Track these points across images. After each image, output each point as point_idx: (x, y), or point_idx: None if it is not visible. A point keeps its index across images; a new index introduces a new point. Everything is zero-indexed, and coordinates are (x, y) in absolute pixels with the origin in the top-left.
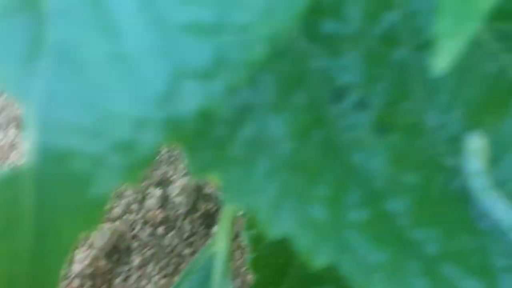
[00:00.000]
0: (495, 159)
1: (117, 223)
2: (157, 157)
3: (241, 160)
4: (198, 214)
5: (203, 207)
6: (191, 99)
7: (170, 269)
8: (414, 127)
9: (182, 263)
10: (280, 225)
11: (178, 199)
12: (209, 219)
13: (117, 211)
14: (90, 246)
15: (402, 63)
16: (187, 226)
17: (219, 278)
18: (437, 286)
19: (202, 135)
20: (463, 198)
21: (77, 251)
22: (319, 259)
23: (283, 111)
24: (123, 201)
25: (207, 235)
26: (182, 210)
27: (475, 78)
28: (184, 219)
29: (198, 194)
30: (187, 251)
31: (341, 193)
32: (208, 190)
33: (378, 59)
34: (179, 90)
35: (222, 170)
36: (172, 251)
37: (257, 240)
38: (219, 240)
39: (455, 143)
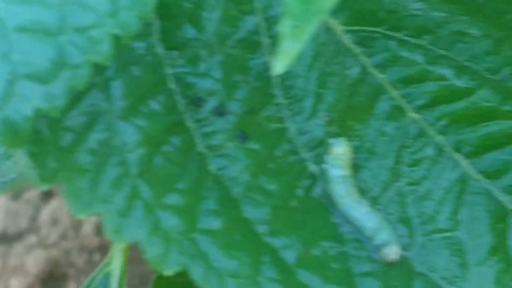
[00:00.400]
0: (358, 166)
1: (53, 250)
2: None
3: (88, 168)
4: None
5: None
6: (29, 100)
7: None
8: (276, 134)
9: None
10: (129, 234)
11: None
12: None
13: (53, 237)
14: (26, 274)
15: (263, 69)
16: None
17: None
18: None
19: (48, 142)
20: (325, 205)
21: (12, 278)
22: (169, 267)
23: (136, 118)
24: (59, 228)
25: None
26: None
27: (338, 83)
28: None
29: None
30: None
31: (196, 201)
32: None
33: (237, 66)
34: (16, 91)
35: (68, 178)
36: None
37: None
38: (114, 258)
39: (318, 150)
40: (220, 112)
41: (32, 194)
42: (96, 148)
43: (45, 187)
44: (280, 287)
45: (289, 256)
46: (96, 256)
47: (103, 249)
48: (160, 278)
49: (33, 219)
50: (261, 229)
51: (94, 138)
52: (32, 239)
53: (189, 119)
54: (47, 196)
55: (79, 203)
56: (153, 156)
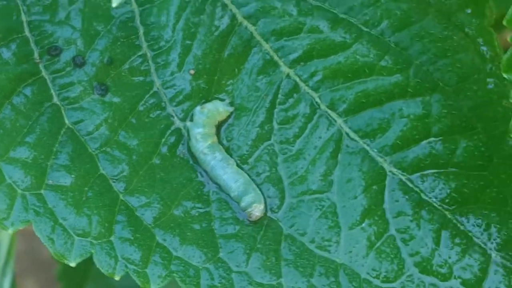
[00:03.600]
0: (228, 123)
1: None
2: None
3: None
4: None
5: None
6: None
7: None
8: (139, 87)
9: None
10: None
11: None
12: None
13: None
14: None
15: (127, 19)
16: None
17: (2, 265)
18: (150, 254)
19: None
20: (190, 163)
21: None
22: (11, 224)
23: None
24: None
25: None
26: None
27: (206, 34)
28: None
29: None
30: None
31: (46, 155)
32: None
33: (99, 14)
34: None
35: None
36: None
37: None
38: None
39: (184, 104)
40: (78, 63)
41: None
42: None
43: None
44: (134, 247)
45: (147, 215)
46: (37, 241)
47: None
48: None
49: None
50: (118, 186)
51: None
52: None
53: (45, 69)
54: None
55: None
56: (1, 107)
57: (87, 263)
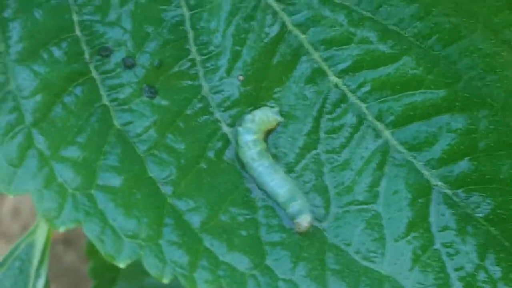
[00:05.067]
0: (276, 130)
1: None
2: None
3: None
4: None
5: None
6: None
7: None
8: (188, 91)
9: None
10: (20, 185)
11: None
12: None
13: (15, 229)
14: None
15: (177, 22)
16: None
17: (36, 267)
18: (198, 259)
19: None
20: (237, 169)
21: None
22: (62, 223)
23: (35, 63)
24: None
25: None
26: None
27: (256, 41)
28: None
29: None
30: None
31: (96, 156)
32: None
33: (149, 16)
34: None
35: None
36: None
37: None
38: (39, 228)
39: (232, 110)
40: (128, 64)
41: None
42: None
43: None
44: (182, 251)
45: (194, 220)
46: (60, 248)
47: (67, 242)
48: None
49: None
50: (166, 189)
51: None
52: None
53: (95, 70)
54: None
55: None
56: (52, 105)
57: None
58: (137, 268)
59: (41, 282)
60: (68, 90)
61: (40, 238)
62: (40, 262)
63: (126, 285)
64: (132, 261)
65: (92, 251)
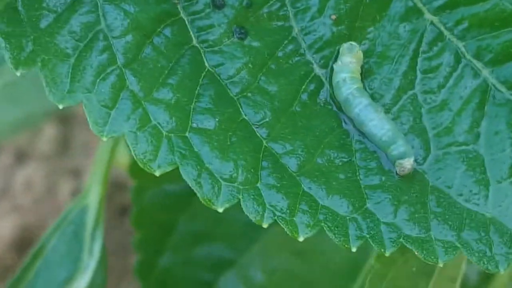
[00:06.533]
0: (369, 71)
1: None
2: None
3: (70, 53)
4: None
5: (118, 199)
6: None
7: None
8: (278, 32)
9: None
10: (114, 127)
11: None
12: (124, 211)
13: (27, 202)
14: None
15: None
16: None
17: (91, 230)
18: (297, 202)
19: (24, 22)
20: (332, 111)
21: None
22: (158, 166)
23: (124, 2)
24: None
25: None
26: None
27: None
28: None
29: (112, 186)
30: None
31: (189, 98)
32: (123, 181)
33: None
34: None
35: (47, 64)
36: None
37: (139, 191)
38: (91, 192)
39: (325, 51)
40: (217, 4)
41: (4, 158)
42: (79, 31)
43: (19, 72)
44: (281, 195)
45: (291, 163)
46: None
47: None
48: (140, 211)
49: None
50: (261, 132)
51: (77, 20)
52: (5, 204)
53: (183, 10)
54: (21, 160)
55: (60, 91)
56: (142, 46)
57: (166, 232)
58: (184, 240)
59: (97, 245)
60: (157, 31)
61: (93, 201)
62: (95, 226)
63: (173, 257)
64: (231, 205)
65: (139, 222)
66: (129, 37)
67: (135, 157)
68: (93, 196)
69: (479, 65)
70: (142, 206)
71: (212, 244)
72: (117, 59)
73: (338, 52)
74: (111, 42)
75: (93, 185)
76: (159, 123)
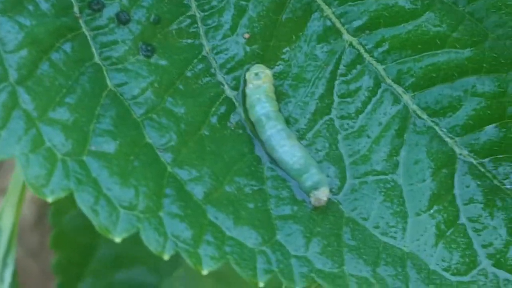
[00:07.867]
0: (283, 94)
1: None
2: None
3: None
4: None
5: None
6: None
7: None
8: (187, 50)
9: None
10: (4, 148)
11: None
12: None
13: None
14: None
15: None
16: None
17: (2, 256)
18: (202, 233)
19: None
20: (243, 136)
21: None
22: (51, 192)
23: (19, 15)
24: None
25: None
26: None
27: None
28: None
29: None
30: None
31: (88, 118)
32: None
33: None
34: None
35: None
36: None
37: (58, 212)
38: (5, 215)
39: (237, 72)
40: (122, 19)
41: None
42: None
43: None
44: (184, 224)
45: (197, 190)
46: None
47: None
48: (60, 233)
49: None
50: (166, 157)
51: None
52: None
53: (85, 25)
54: None
55: None
56: (39, 62)
57: (86, 255)
58: (104, 264)
59: (8, 272)
60: (56, 46)
61: (6, 224)
62: (7, 251)
63: (93, 281)
64: (129, 235)
65: (58, 244)
66: (23, 52)
67: (26, 182)
68: (6, 220)
69: (399, 90)
70: (61, 228)
71: (134, 268)
72: (9, 75)
73: (249, 73)
74: (3, 57)
75: (6, 208)
76: (54, 145)
